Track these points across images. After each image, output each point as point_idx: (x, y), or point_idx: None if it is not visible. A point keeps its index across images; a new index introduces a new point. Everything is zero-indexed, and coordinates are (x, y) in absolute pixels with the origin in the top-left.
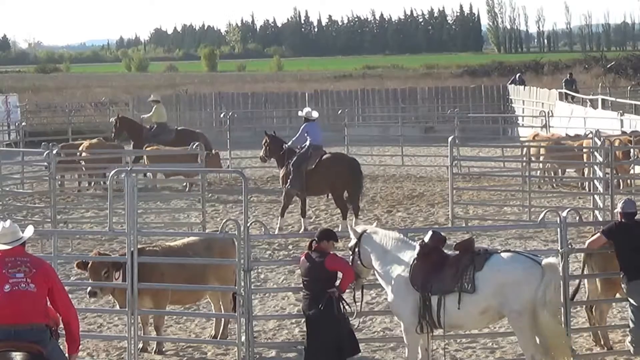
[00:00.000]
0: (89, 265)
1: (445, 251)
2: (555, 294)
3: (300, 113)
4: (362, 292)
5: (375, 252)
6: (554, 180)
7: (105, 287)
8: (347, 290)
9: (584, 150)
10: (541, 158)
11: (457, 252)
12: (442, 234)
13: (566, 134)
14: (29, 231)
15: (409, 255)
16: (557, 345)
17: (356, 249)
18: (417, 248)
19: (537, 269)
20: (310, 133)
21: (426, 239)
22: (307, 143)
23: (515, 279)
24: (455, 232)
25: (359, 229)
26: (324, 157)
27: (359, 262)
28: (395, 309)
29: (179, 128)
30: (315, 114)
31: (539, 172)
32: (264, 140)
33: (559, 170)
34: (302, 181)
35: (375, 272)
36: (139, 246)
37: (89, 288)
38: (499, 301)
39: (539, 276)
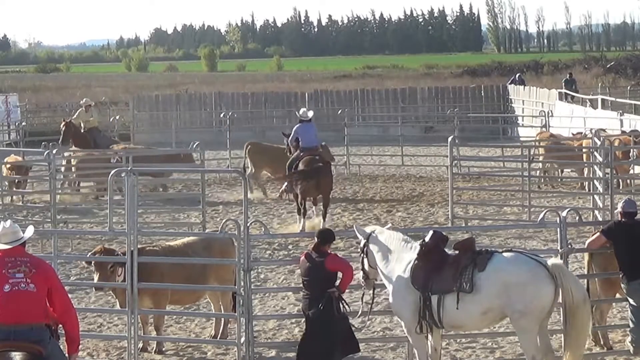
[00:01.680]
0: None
1: (447, 251)
2: (578, 288)
3: (297, 113)
4: (373, 292)
5: (381, 252)
6: (553, 180)
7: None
8: (346, 290)
9: (584, 150)
10: (541, 158)
11: (457, 252)
12: (444, 233)
13: (572, 134)
14: (30, 231)
15: (411, 256)
16: (580, 342)
17: (364, 250)
18: (418, 248)
19: (541, 269)
20: (300, 134)
21: (427, 238)
22: (300, 145)
23: (519, 279)
24: (455, 232)
25: (368, 229)
26: (301, 160)
27: (366, 262)
28: (396, 309)
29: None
30: (309, 114)
31: (539, 172)
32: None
33: (559, 170)
34: (291, 183)
35: (380, 272)
36: (140, 246)
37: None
38: (503, 302)
39: (544, 277)
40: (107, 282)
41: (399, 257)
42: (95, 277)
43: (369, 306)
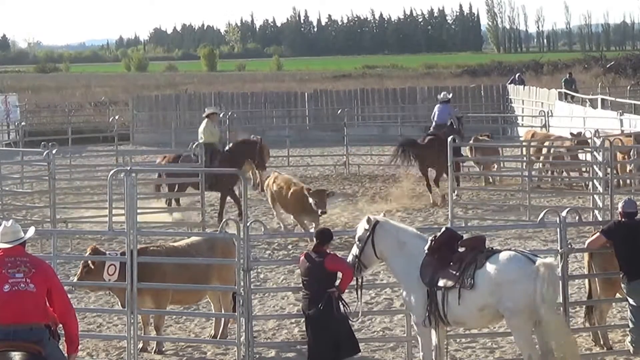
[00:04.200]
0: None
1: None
2: (550, 292)
3: (438, 97)
4: (360, 290)
5: (393, 243)
6: (557, 180)
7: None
8: (346, 290)
9: (585, 150)
10: (541, 158)
11: (464, 249)
12: (458, 232)
13: (571, 133)
14: (31, 232)
15: (422, 251)
16: (564, 345)
17: (369, 239)
18: (428, 243)
19: (529, 267)
20: (437, 113)
21: (438, 234)
22: (433, 123)
23: (509, 277)
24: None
25: (371, 218)
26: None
27: (373, 252)
28: (407, 304)
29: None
30: (446, 96)
31: (538, 171)
32: None
33: (557, 170)
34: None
35: (388, 264)
36: (142, 246)
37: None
38: (496, 299)
39: (531, 275)
40: (100, 282)
41: (411, 251)
42: (75, 277)
43: (359, 300)
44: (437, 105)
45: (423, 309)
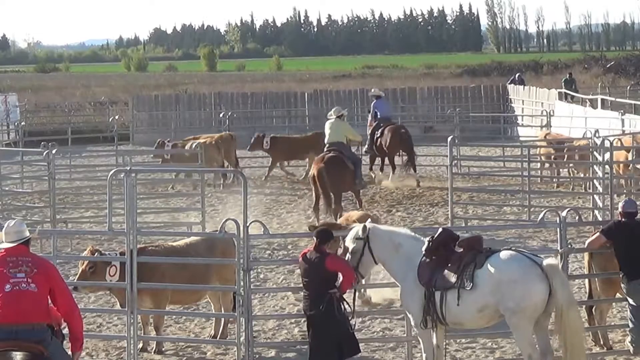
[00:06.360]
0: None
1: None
2: (564, 291)
3: (370, 93)
4: (358, 291)
5: (388, 246)
6: (558, 179)
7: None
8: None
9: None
10: (542, 158)
11: (462, 249)
12: (455, 232)
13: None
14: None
15: (419, 252)
16: (575, 344)
17: (366, 246)
18: (426, 244)
19: (534, 268)
20: (379, 108)
21: (435, 235)
22: (378, 116)
23: (510, 277)
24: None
25: (361, 227)
26: (385, 128)
27: (372, 260)
28: (405, 305)
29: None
30: (378, 91)
31: (538, 171)
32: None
33: (558, 170)
34: (372, 146)
35: (386, 267)
36: (141, 245)
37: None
38: (496, 299)
39: (535, 275)
40: (101, 282)
41: (407, 253)
42: (76, 277)
43: (353, 304)
44: (375, 102)
45: (420, 311)
